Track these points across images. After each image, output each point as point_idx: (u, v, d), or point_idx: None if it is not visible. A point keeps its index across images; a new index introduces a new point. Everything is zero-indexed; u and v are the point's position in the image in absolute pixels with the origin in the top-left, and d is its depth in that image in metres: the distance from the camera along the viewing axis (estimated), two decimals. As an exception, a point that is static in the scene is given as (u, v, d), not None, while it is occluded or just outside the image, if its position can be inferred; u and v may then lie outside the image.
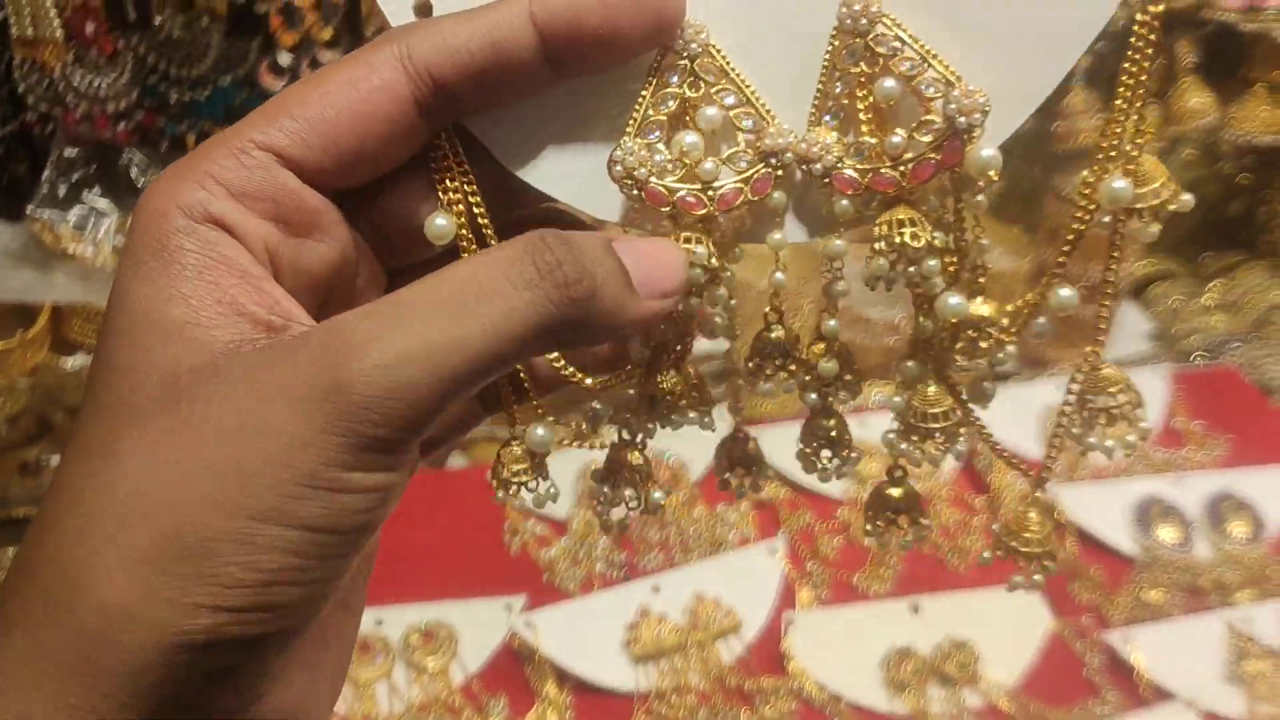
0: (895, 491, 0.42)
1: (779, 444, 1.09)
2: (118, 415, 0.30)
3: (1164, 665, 0.90)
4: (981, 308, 0.36)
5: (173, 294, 0.31)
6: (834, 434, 0.42)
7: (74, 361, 1.08)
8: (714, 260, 0.35)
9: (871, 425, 1.11)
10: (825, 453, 0.42)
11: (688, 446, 1.10)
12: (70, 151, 1.09)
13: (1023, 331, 0.37)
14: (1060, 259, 0.37)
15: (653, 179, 0.34)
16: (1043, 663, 0.91)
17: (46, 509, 0.30)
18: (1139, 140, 0.35)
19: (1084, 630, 0.93)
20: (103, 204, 1.10)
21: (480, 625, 0.95)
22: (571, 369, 0.38)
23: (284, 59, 1.06)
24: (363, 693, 0.91)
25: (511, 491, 0.39)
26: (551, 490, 0.40)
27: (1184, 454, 1.10)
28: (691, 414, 0.40)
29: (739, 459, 0.45)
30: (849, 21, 0.33)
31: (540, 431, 0.38)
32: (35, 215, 1.07)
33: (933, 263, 0.34)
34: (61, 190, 1.08)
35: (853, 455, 0.42)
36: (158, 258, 0.31)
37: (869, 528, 0.42)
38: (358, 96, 0.33)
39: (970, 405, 0.41)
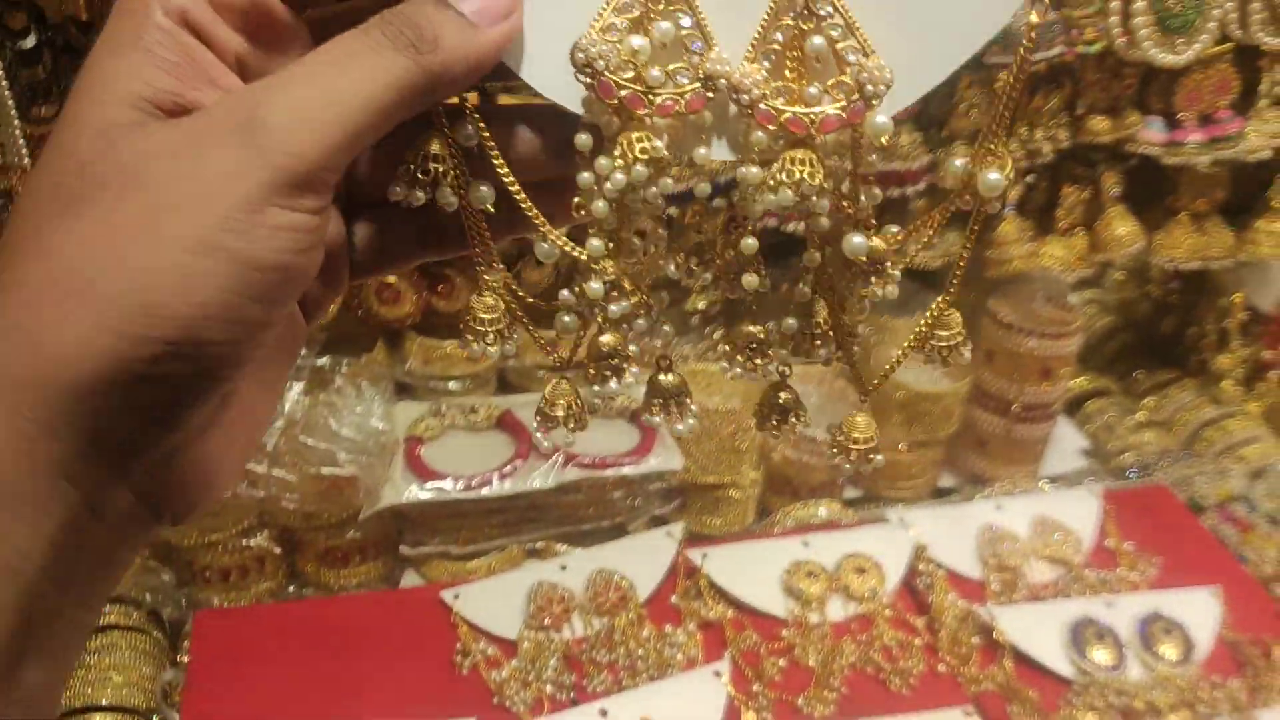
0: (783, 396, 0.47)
1: (725, 563, 1.12)
2: (55, 200, 0.34)
3: (1099, 789, 0.92)
4: (876, 242, 0.41)
5: (137, 74, 0.35)
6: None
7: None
8: (662, 155, 0.39)
9: (815, 545, 1.15)
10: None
11: (635, 567, 1.12)
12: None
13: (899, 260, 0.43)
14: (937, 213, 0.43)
15: (606, 73, 0.39)
16: (982, 786, 0.93)
17: None
18: (1008, 147, 0.40)
19: (1021, 754, 0.95)
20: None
21: (431, 750, 0.96)
22: (534, 210, 0.42)
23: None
24: (309, 819, 0.91)
25: (487, 341, 0.43)
26: (509, 349, 0.44)
27: (1117, 574, 1.14)
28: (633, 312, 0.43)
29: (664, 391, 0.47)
30: None
31: (545, 246, 0.42)
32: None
33: (824, 202, 0.39)
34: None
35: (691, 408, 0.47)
36: (133, 46, 0.35)
37: (759, 422, 0.48)
38: None
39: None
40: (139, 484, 0.35)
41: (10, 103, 0.98)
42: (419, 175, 0.41)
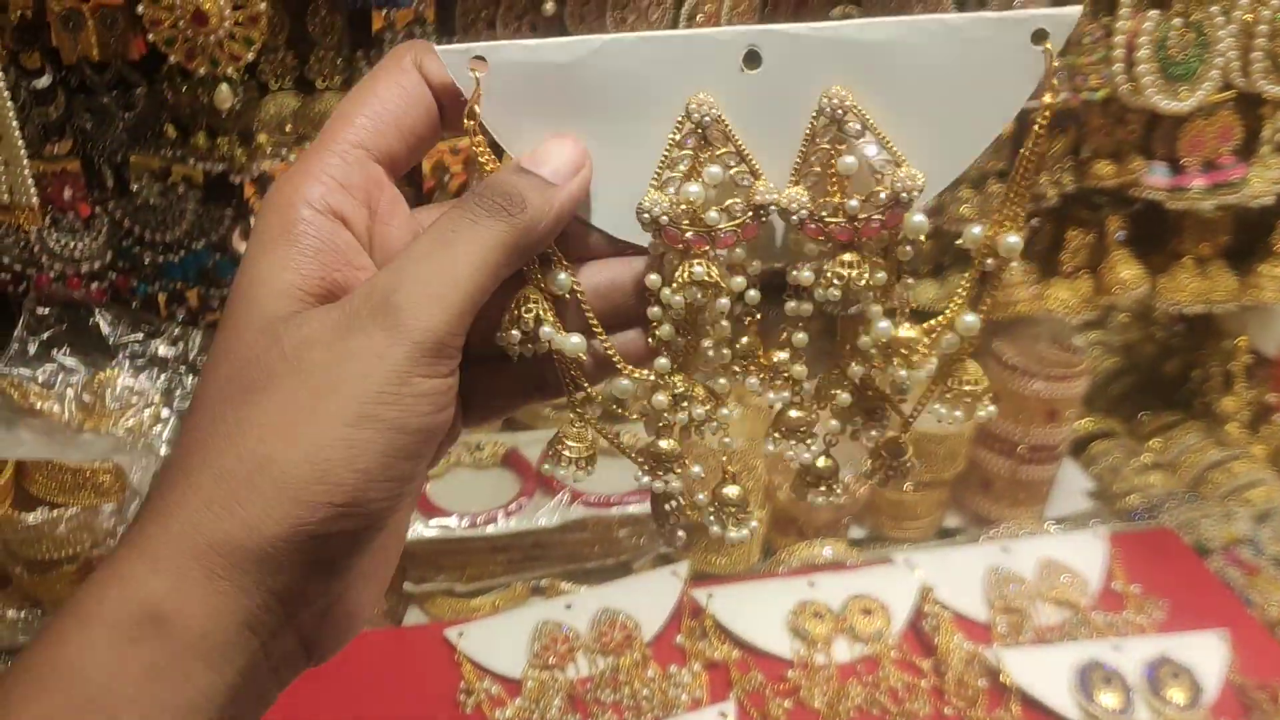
0: (822, 463, 0.51)
1: (731, 603, 1.11)
2: (235, 389, 0.39)
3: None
4: (908, 331, 0.45)
5: (289, 265, 0.41)
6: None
7: (34, 517, 1.09)
8: (720, 279, 0.45)
9: (821, 585, 1.15)
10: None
11: (641, 606, 1.11)
12: (42, 310, 1.12)
13: (935, 347, 0.46)
14: (963, 288, 0.46)
15: (670, 225, 0.44)
16: (988, 831, 0.93)
17: (176, 463, 0.39)
18: (1019, 212, 0.44)
19: (1029, 798, 0.95)
20: (71, 362, 1.12)
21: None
22: (617, 356, 0.47)
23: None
24: None
25: (564, 465, 0.49)
26: (588, 473, 0.50)
27: (1123, 617, 1.13)
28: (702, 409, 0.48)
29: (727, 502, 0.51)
30: (828, 109, 0.43)
31: (624, 383, 0.47)
32: (4, 372, 1.09)
33: (875, 306, 0.45)
34: (32, 348, 1.11)
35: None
36: (284, 239, 0.41)
37: (796, 489, 0.52)
38: (402, 94, 0.44)
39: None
40: (303, 630, 0.41)
41: (20, 143, 1.00)
42: (521, 325, 0.45)
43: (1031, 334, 1.34)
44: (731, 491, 0.50)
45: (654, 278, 0.45)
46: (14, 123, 0.98)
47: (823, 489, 0.51)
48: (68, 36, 0.98)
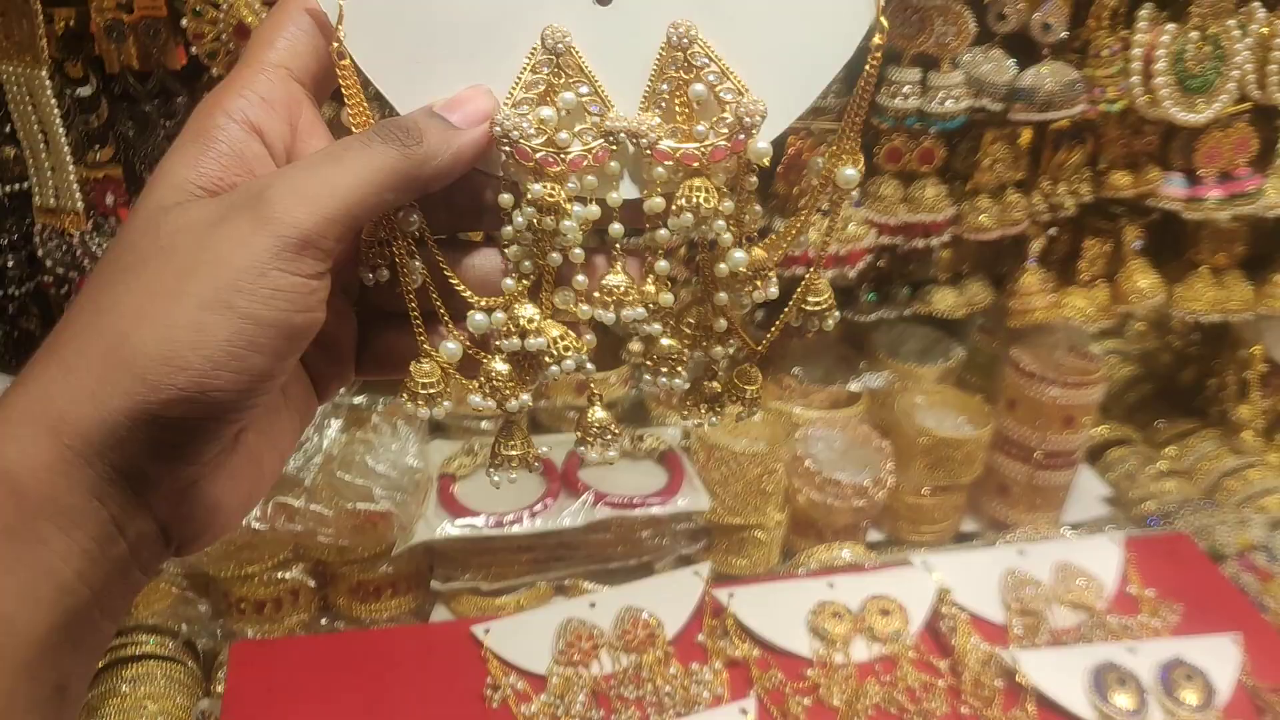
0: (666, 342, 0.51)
1: (751, 603, 1.14)
2: (111, 271, 0.41)
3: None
4: (759, 252, 0.48)
5: (189, 162, 0.42)
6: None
7: None
8: (561, 199, 0.46)
9: (840, 586, 1.17)
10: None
11: (663, 605, 1.14)
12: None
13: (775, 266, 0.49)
14: (804, 211, 0.49)
15: (521, 140, 0.45)
16: (1004, 827, 0.95)
17: (50, 340, 0.41)
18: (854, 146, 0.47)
19: (1044, 796, 0.97)
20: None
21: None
22: (460, 284, 0.48)
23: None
24: None
25: (419, 402, 0.49)
26: (444, 407, 0.50)
27: (1138, 620, 1.15)
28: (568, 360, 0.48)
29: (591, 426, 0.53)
30: (674, 39, 0.45)
31: (450, 345, 0.49)
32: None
33: (719, 223, 0.47)
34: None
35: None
36: (196, 141, 0.43)
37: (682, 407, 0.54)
38: (311, 16, 0.46)
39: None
40: (157, 512, 0.42)
41: (67, 149, 1.03)
42: (374, 261, 0.48)
43: (1049, 341, 1.36)
44: (598, 414, 0.52)
45: (505, 196, 0.47)
46: (60, 129, 1.01)
47: (664, 370, 0.51)
48: (111, 47, 1.01)
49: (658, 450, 1.28)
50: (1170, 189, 1.29)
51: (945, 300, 1.32)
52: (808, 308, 0.51)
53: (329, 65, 0.46)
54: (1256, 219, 1.32)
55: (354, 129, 0.46)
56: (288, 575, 1.21)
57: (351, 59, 0.46)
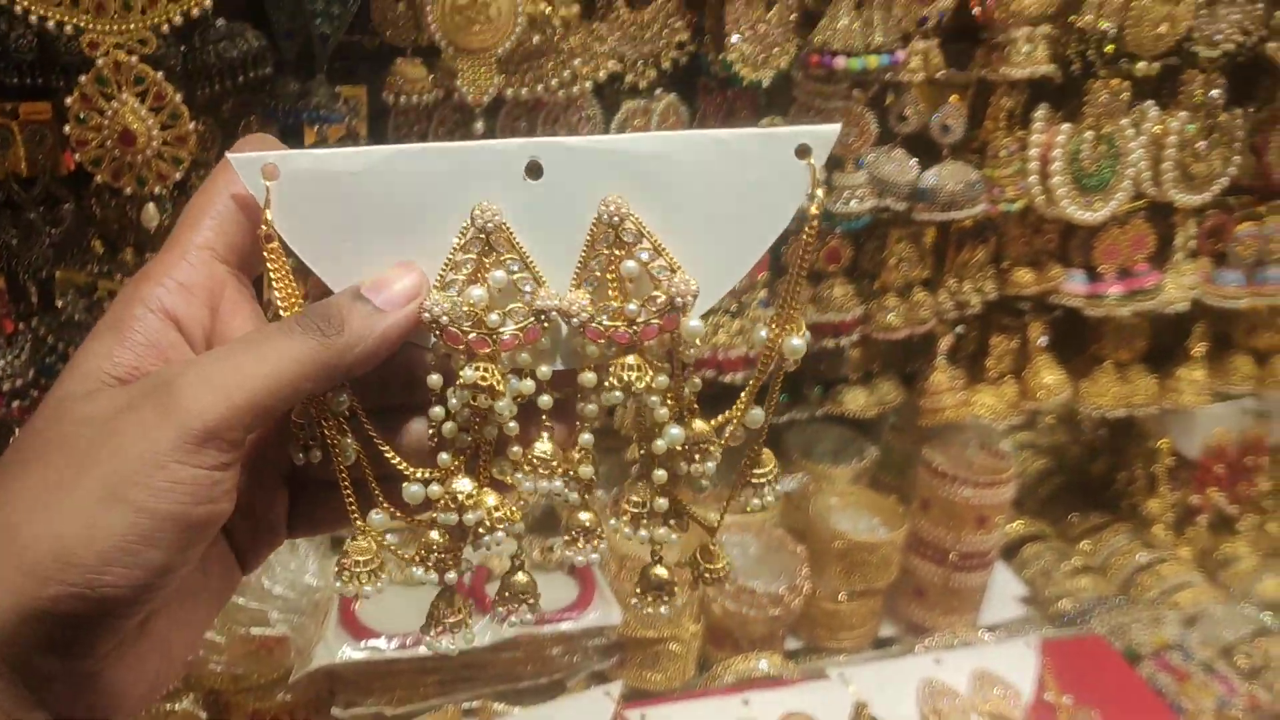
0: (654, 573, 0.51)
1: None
2: (13, 462, 0.40)
3: None
4: (698, 425, 0.47)
5: (103, 352, 0.41)
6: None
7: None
8: (495, 383, 0.45)
9: (756, 703, 1.13)
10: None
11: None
12: (-46, 430, 1.09)
13: (724, 440, 0.48)
14: (751, 384, 0.47)
15: (451, 325, 0.44)
16: None
17: None
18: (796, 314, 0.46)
19: None
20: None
21: None
22: (398, 458, 0.47)
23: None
24: None
25: (363, 584, 0.48)
26: (380, 588, 0.49)
27: (1058, 729, 1.13)
28: (499, 533, 0.47)
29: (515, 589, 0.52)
30: (605, 216, 0.44)
31: (377, 516, 0.48)
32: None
33: (654, 398, 0.45)
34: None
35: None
36: (112, 331, 0.42)
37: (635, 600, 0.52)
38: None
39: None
40: (52, 705, 0.39)
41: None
42: (305, 440, 0.46)
43: (960, 439, 1.35)
44: (520, 579, 0.51)
45: (434, 378, 0.46)
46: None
47: (665, 598, 0.51)
48: (-3, 152, 0.96)
49: (568, 562, 1.24)
50: (1072, 286, 1.30)
51: (857, 400, 1.31)
52: (753, 479, 0.49)
53: (256, 244, 0.45)
54: (1157, 314, 1.34)
55: (281, 310, 0.45)
56: (178, 707, 1.14)
57: (280, 239, 0.45)
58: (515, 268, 0.45)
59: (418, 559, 0.48)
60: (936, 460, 1.31)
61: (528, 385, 0.46)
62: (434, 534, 0.48)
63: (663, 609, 0.51)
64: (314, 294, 0.46)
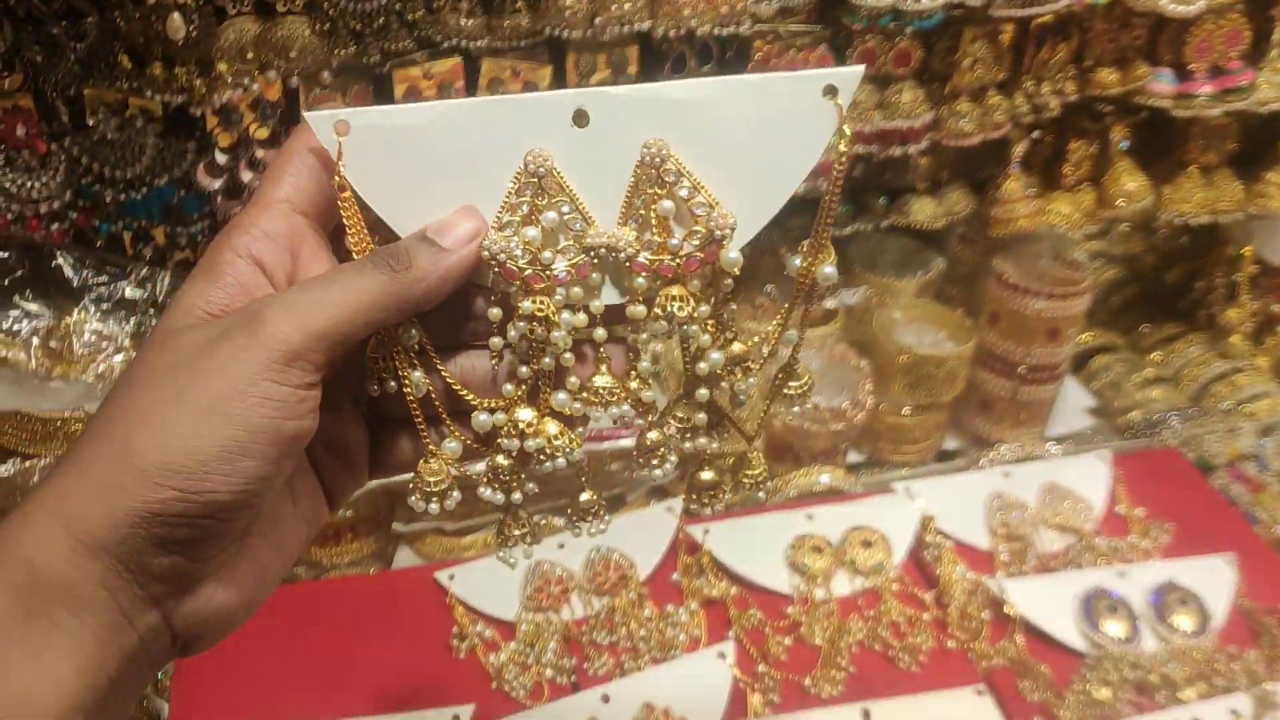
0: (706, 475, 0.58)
1: (728, 539, 1.09)
2: (126, 385, 0.45)
3: (1114, 768, 0.90)
4: (736, 347, 0.52)
5: (199, 291, 0.47)
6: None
7: (6, 469, 1.05)
8: (550, 313, 0.50)
9: (820, 518, 1.12)
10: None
11: (635, 544, 1.09)
12: (1, 254, 1.07)
13: (768, 358, 0.53)
14: (787, 306, 0.53)
15: (508, 262, 0.49)
16: (995, 767, 0.91)
17: (71, 446, 0.46)
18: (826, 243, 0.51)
19: (1035, 732, 0.93)
20: (34, 307, 1.08)
21: (428, 738, 0.93)
22: (462, 388, 0.52)
23: (221, 159, 1.05)
24: (307, 815, 0.89)
25: (433, 502, 0.53)
26: (454, 498, 0.54)
27: (1128, 542, 1.11)
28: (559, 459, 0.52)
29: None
30: (648, 158, 0.49)
31: (452, 444, 0.53)
32: (-34, 321, 1.05)
33: (694, 328, 0.51)
34: (-8, 294, 1.06)
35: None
36: (206, 275, 0.48)
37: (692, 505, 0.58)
38: (317, 152, 0.50)
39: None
40: (164, 608, 0.45)
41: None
42: (379, 374, 0.51)
43: (1033, 251, 1.30)
44: (584, 497, 0.57)
45: (494, 311, 0.50)
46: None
47: (715, 499, 0.58)
48: (11, -37, 0.92)
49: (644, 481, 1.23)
50: (1159, 85, 1.23)
51: (924, 210, 1.25)
52: (789, 391, 0.55)
53: (332, 197, 0.49)
54: (1248, 115, 1.26)
55: (354, 254, 0.49)
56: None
57: (352, 189, 0.49)
58: (566, 209, 0.50)
59: (485, 480, 0.53)
60: (1007, 272, 1.27)
61: (581, 319, 0.50)
62: (500, 458, 0.53)
63: (714, 508, 0.58)
64: (384, 243, 0.50)
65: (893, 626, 1.03)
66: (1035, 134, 1.26)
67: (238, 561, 0.47)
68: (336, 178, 0.49)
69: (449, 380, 0.52)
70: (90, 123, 1.03)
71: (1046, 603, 1.03)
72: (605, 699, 0.95)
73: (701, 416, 0.54)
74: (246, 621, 0.49)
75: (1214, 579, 1.05)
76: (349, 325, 0.46)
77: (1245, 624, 1.03)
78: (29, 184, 1.03)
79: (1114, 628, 1.00)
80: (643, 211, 0.50)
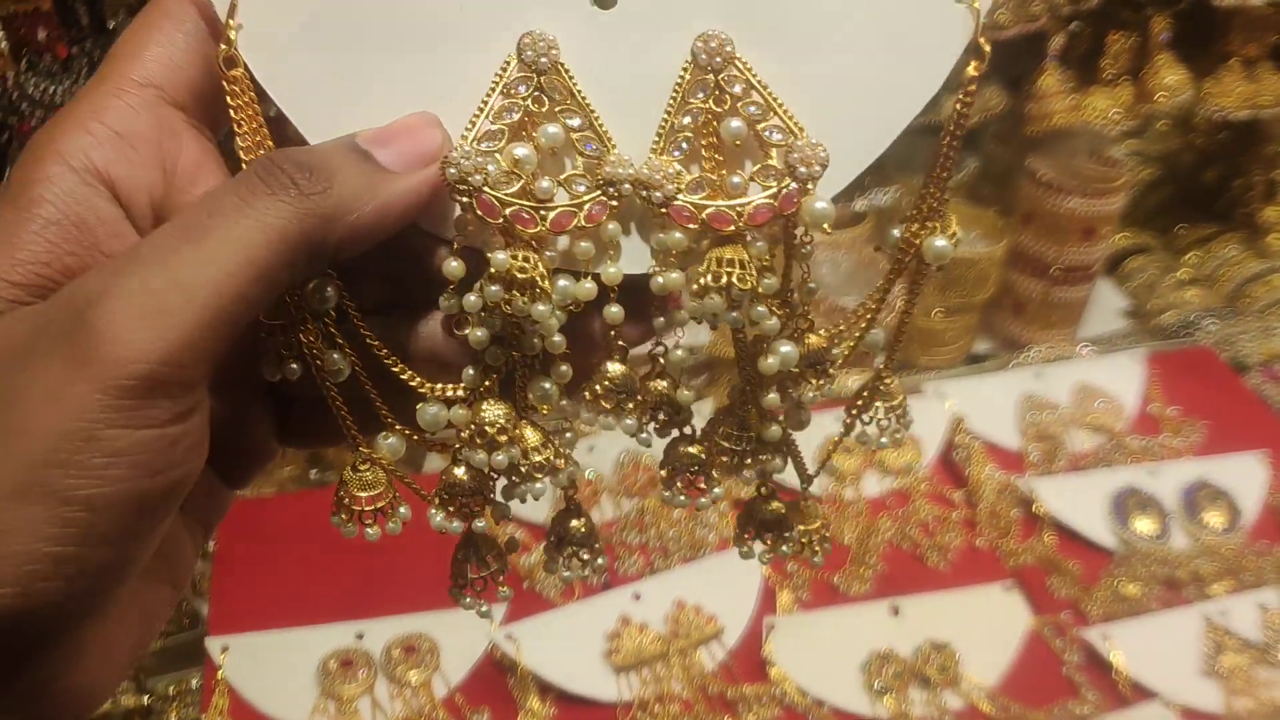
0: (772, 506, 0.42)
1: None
2: None
3: (1142, 662, 0.90)
4: (813, 340, 0.37)
5: (4, 241, 0.30)
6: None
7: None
8: (537, 275, 0.33)
9: (849, 419, 1.11)
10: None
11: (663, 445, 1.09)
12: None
13: (842, 361, 0.39)
14: (875, 291, 0.39)
15: (486, 188, 0.33)
16: (1022, 662, 0.92)
17: None
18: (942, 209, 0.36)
19: (1063, 627, 0.94)
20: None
21: (462, 636, 0.95)
22: (408, 372, 0.36)
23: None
24: (345, 709, 0.91)
25: (365, 522, 0.38)
26: (401, 516, 0.40)
27: (1160, 441, 1.11)
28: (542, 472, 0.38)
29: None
30: (703, 57, 0.33)
31: (391, 441, 0.37)
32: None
33: (760, 308, 0.34)
34: (20, 201, 1.06)
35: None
36: (13, 205, 0.30)
37: (736, 537, 0.44)
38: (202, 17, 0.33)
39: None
40: (15, 711, 0.31)
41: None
42: (278, 349, 0.35)
43: (1068, 148, 1.27)
44: (577, 524, 0.41)
45: (453, 264, 0.34)
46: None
47: (769, 543, 0.43)
48: None
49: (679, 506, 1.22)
50: (1202, -27, 1.19)
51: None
52: (875, 419, 0.42)
53: (220, 79, 0.33)
54: (1294, 4, 1.22)
55: (245, 165, 0.33)
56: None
57: (246, 67, 0.33)
58: (575, 122, 0.34)
59: (437, 502, 0.39)
60: (1042, 170, 1.24)
61: (586, 289, 0.34)
62: (459, 471, 0.37)
63: (783, 548, 0.43)
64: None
65: (922, 526, 1.03)
66: (1073, 26, 1.22)
67: (104, 631, 0.32)
68: (223, 46, 0.32)
69: (383, 357, 0.36)
70: (111, 25, 1.02)
71: (1076, 501, 1.03)
72: (636, 597, 0.96)
73: (775, 430, 0.39)
74: (118, 687, 0.34)
75: (1245, 476, 1.05)
76: (243, 305, 0.29)
77: (1276, 521, 1.02)
78: (52, 88, 1.02)
79: (1144, 525, 1.00)
80: (689, 136, 0.34)
